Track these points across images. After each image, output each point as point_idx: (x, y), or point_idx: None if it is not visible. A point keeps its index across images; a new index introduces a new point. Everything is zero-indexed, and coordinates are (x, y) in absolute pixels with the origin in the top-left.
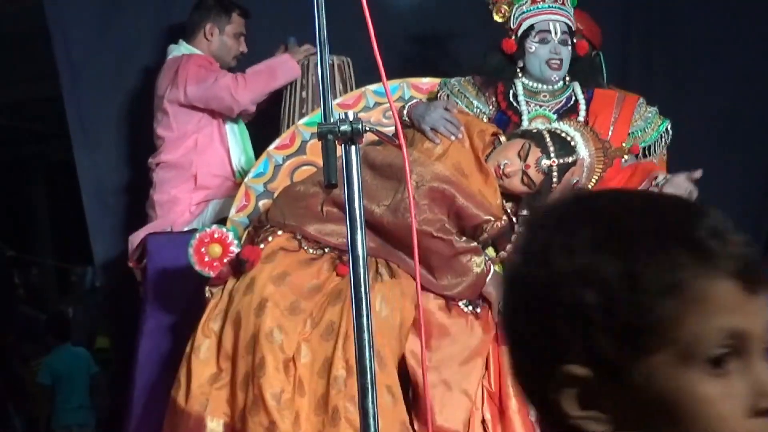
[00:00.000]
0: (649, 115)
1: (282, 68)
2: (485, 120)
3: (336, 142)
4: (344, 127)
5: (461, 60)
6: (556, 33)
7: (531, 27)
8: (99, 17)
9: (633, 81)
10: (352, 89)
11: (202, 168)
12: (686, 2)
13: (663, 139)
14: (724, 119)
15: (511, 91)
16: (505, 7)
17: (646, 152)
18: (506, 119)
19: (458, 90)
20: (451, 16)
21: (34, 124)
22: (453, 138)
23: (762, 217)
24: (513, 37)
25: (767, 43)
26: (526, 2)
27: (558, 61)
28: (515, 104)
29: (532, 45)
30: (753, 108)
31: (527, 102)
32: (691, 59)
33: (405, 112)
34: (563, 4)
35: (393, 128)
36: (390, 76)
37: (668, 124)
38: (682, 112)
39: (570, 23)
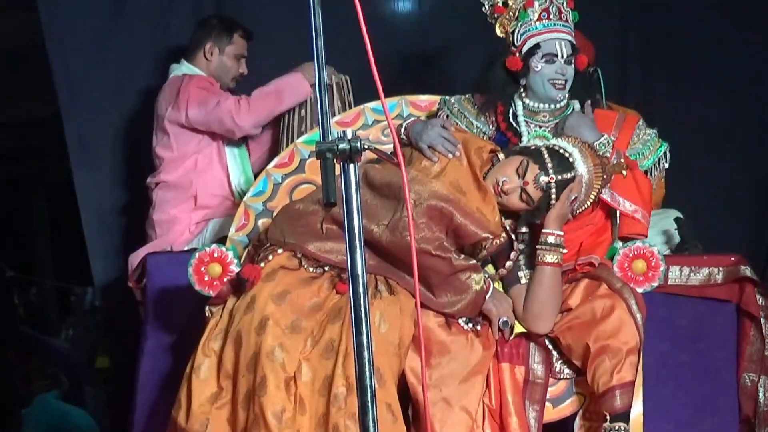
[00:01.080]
0: (648, 138)
1: (290, 90)
2: (485, 139)
3: (335, 160)
4: (343, 146)
5: (459, 77)
6: (562, 54)
7: (537, 46)
8: (98, 36)
9: (631, 96)
10: (350, 107)
11: (202, 188)
12: (684, 18)
13: (660, 163)
14: (723, 132)
15: (510, 111)
16: (507, 21)
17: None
18: (506, 140)
19: (458, 110)
20: (449, 33)
21: (34, 144)
22: (451, 156)
23: (762, 230)
24: (518, 55)
25: (765, 56)
26: (530, 19)
27: (563, 82)
28: (515, 125)
29: (538, 64)
30: (752, 121)
31: (527, 122)
32: (690, 73)
33: (403, 130)
34: (566, 21)
35: (392, 146)
36: (388, 94)
37: (666, 148)
38: (681, 125)
39: (573, 40)
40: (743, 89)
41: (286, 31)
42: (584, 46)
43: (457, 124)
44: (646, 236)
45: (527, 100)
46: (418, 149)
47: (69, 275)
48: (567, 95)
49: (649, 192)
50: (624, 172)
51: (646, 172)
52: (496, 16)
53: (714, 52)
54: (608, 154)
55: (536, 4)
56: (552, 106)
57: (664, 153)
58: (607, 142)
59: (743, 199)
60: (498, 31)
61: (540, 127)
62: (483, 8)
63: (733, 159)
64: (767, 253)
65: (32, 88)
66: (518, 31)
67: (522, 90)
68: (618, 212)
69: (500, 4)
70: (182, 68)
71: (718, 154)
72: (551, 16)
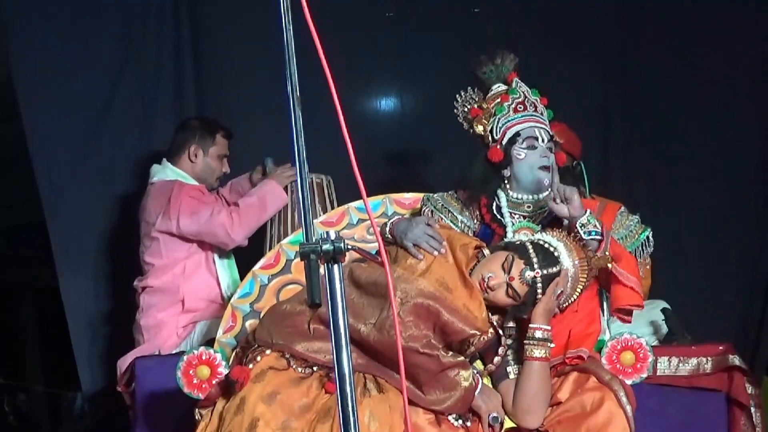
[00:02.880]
0: (631, 224)
1: (271, 197)
2: (470, 234)
3: (318, 261)
4: (326, 247)
5: (442, 175)
6: (543, 140)
7: (517, 134)
8: (80, 144)
9: (615, 189)
10: (333, 207)
11: (189, 293)
12: (667, 108)
13: (644, 248)
14: (708, 219)
15: (494, 203)
16: (485, 120)
17: None
18: (491, 232)
19: (442, 205)
20: (432, 132)
21: (22, 249)
22: (436, 253)
23: (749, 318)
24: (499, 146)
25: (750, 138)
26: (507, 111)
27: (548, 164)
28: (499, 216)
29: (520, 152)
30: (737, 205)
31: (511, 213)
32: (675, 159)
33: (387, 229)
34: (542, 114)
35: (377, 245)
36: (372, 193)
37: (649, 233)
38: (666, 213)
39: (551, 132)
40: (729, 173)
41: (270, 132)
42: (570, 139)
43: (441, 220)
44: (642, 307)
45: (511, 192)
46: (403, 247)
47: (59, 381)
48: (552, 180)
49: (638, 270)
50: (609, 265)
51: None
52: (472, 118)
53: (697, 142)
54: (596, 224)
55: (511, 98)
56: (535, 196)
57: (647, 238)
58: (591, 214)
59: (730, 288)
60: (477, 129)
61: (524, 217)
62: (458, 118)
63: (718, 247)
64: (755, 341)
65: (19, 195)
66: (497, 125)
67: (506, 182)
68: (605, 293)
69: (476, 107)
70: (166, 171)
71: (703, 241)
72: (527, 108)
